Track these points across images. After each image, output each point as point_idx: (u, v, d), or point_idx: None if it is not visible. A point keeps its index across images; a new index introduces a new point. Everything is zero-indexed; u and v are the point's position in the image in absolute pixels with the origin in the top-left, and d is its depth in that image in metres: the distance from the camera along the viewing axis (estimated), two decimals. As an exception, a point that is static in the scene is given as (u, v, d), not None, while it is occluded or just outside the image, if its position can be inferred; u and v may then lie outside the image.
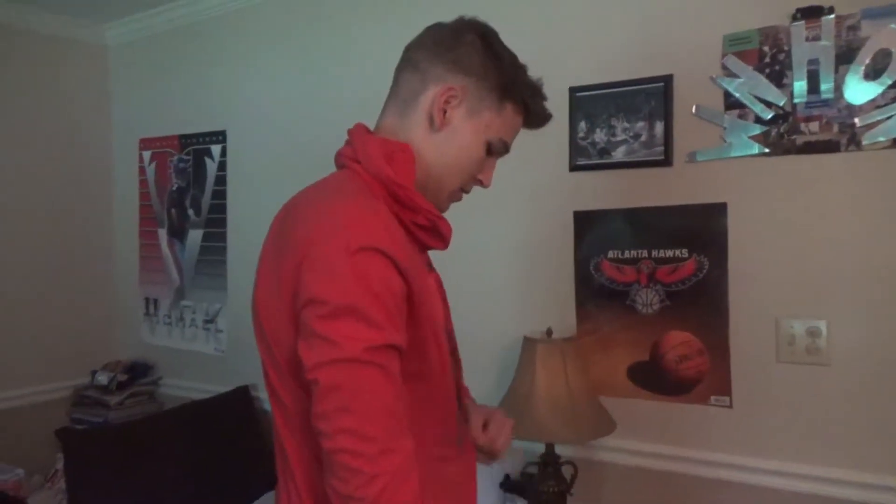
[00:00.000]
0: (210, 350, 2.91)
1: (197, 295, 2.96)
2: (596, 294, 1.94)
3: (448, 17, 1.08)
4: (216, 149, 2.88)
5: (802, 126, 1.65)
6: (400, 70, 1.05)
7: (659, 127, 1.83)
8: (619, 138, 1.90)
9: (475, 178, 1.07)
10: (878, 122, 1.56)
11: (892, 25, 1.55)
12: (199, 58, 2.92)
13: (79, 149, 3.12)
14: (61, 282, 3.02)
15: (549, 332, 1.83)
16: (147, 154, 3.14)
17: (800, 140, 1.65)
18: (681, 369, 1.81)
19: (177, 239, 3.03)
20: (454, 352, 1.09)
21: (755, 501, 1.71)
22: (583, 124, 1.95)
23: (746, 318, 1.73)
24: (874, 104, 1.57)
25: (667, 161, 1.82)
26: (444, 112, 1.00)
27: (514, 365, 1.83)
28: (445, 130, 1.01)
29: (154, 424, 2.45)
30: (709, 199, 1.77)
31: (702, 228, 1.78)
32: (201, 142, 2.94)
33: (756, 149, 1.71)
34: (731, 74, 1.73)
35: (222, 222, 2.87)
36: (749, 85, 1.71)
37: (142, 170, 3.16)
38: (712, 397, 1.77)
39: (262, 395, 2.59)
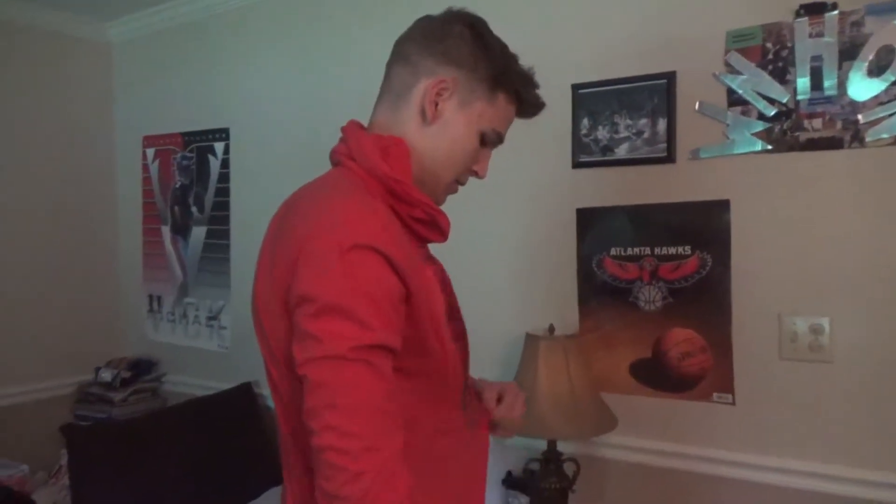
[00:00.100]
0: (213, 347, 2.92)
1: (200, 292, 2.97)
2: (598, 291, 1.94)
3: (447, 12, 1.08)
4: (219, 146, 2.89)
5: (805, 123, 1.64)
6: (391, 65, 1.05)
7: (662, 124, 1.83)
8: (621, 135, 1.89)
9: (471, 169, 1.07)
10: (882, 118, 1.56)
11: (896, 22, 1.54)
12: (203, 55, 2.93)
13: (82, 146, 3.12)
14: (65, 279, 3.03)
15: (551, 329, 1.83)
16: (150, 151, 3.14)
17: (803, 137, 1.65)
18: (683, 366, 1.81)
19: (180, 236, 3.04)
20: (462, 336, 1.08)
21: (757, 498, 1.71)
22: (585, 121, 1.95)
23: (749, 314, 1.72)
24: (878, 101, 1.56)
25: (670, 158, 1.82)
26: (436, 105, 1.00)
27: (517, 362, 1.83)
28: (438, 123, 1.00)
29: (157, 421, 2.46)
30: (712, 196, 1.77)
31: (704, 225, 1.78)
32: (204, 139, 2.94)
33: (759, 146, 1.70)
34: (735, 71, 1.73)
35: (225, 219, 2.88)
36: (752, 82, 1.71)
37: (145, 167, 3.16)
38: (715, 394, 1.77)
39: (266, 391, 2.59)
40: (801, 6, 1.64)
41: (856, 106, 1.59)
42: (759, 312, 1.71)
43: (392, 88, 1.04)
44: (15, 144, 2.88)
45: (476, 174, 1.08)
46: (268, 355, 0.97)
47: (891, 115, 1.55)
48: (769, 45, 1.69)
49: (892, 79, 1.54)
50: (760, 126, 1.70)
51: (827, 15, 1.61)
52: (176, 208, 3.06)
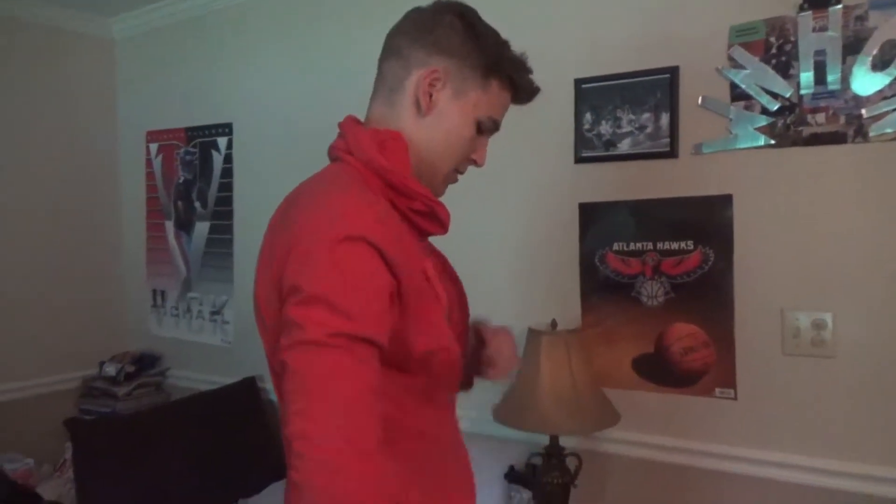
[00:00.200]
0: (217, 341, 2.93)
1: (204, 287, 2.98)
2: (601, 286, 1.94)
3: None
4: (222, 141, 2.89)
5: (809, 117, 1.64)
6: (383, 59, 1.05)
7: (664, 118, 1.82)
8: (624, 130, 1.89)
9: (469, 158, 1.06)
10: (886, 113, 1.55)
11: (901, 16, 1.53)
12: (205, 51, 2.93)
13: (86, 142, 3.13)
14: (69, 274, 3.04)
15: (553, 324, 1.83)
16: (154, 147, 3.15)
17: (806, 131, 1.64)
18: (686, 361, 1.81)
19: (184, 231, 3.05)
20: (462, 336, 1.08)
21: (759, 493, 1.72)
22: (588, 116, 1.95)
23: (752, 310, 1.72)
24: (881, 95, 1.56)
25: (672, 153, 1.81)
26: (430, 95, 1.00)
27: (519, 356, 1.83)
28: (433, 114, 1.00)
29: (161, 415, 2.47)
30: (714, 191, 1.76)
31: (707, 220, 1.77)
32: (207, 134, 2.95)
33: (762, 140, 1.70)
34: (738, 65, 1.72)
35: (229, 214, 2.88)
36: (755, 76, 1.70)
37: (149, 162, 3.17)
38: (717, 389, 1.77)
39: (269, 385, 2.60)
40: (805, 0, 1.63)
41: (859, 100, 1.58)
42: (761, 307, 1.71)
43: (385, 83, 1.04)
44: (19, 140, 2.88)
45: (474, 163, 1.08)
46: (270, 349, 0.97)
47: (894, 109, 1.54)
48: (773, 39, 1.68)
49: (896, 73, 1.54)
50: (763, 121, 1.69)
51: (830, 9, 1.60)
52: (179, 203, 3.06)
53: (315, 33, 2.57)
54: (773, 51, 1.68)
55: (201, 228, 2.98)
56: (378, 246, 0.83)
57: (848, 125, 1.59)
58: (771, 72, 1.68)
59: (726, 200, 1.75)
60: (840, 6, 1.59)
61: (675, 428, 1.83)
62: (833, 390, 1.63)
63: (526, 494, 1.87)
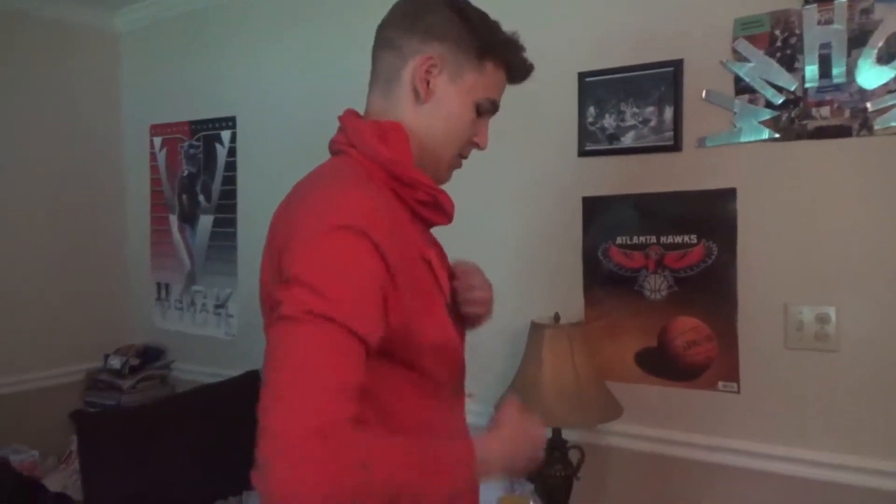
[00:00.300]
0: (221, 334, 2.94)
1: (208, 280, 2.99)
2: (604, 280, 1.94)
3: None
4: (226, 135, 2.89)
5: (813, 111, 1.63)
6: (376, 52, 1.06)
7: (668, 112, 1.82)
8: (628, 123, 1.89)
9: (471, 141, 1.07)
10: (891, 106, 1.54)
11: (906, 8, 1.53)
12: (210, 44, 2.93)
13: (90, 135, 3.13)
14: (74, 268, 3.04)
15: (556, 318, 1.83)
16: (158, 140, 3.15)
17: (811, 125, 1.64)
18: (689, 355, 1.81)
19: (188, 224, 3.05)
20: (461, 334, 1.08)
21: (762, 487, 1.72)
22: (592, 109, 1.94)
23: (755, 303, 1.72)
24: (887, 88, 1.55)
25: (676, 146, 1.81)
26: (427, 82, 1.00)
27: (522, 350, 1.84)
28: (431, 101, 1.01)
29: (165, 408, 2.48)
30: (718, 184, 1.76)
31: (711, 214, 1.77)
32: (211, 128, 2.95)
33: (766, 134, 1.69)
34: (742, 59, 1.72)
35: (232, 208, 2.89)
36: (760, 69, 1.70)
37: (153, 156, 3.17)
38: (720, 383, 1.77)
39: (272, 379, 2.61)
40: (810, -7, 1.63)
41: (864, 94, 1.57)
42: (764, 301, 1.71)
43: (381, 75, 1.04)
44: (23, 134, 2.89)
45: (477, 146, 1.08)
46: None
47: (900, 102, 1.53)
48: (777, 32, 1.67)
49: (902, 66, 1.53)
50: (768, 114, 1.69)
51: (836, 2, 1.59)
52: (183, 197, 3.07)
53: (319, 27, 2.57)
54: (778, 44, 1.67)
55: (205, 222, 2.98)
56: (373, 236, 0.83)
57: (853, 118, 1.59)
58: (776, 65, 1.68)
59: (730, 194, 1.74)
60: (845, -1, 1.58)
61: (678, 421, 1.83)
62: (836, 384, 1.63)
63: (528, 487, 1.88)
